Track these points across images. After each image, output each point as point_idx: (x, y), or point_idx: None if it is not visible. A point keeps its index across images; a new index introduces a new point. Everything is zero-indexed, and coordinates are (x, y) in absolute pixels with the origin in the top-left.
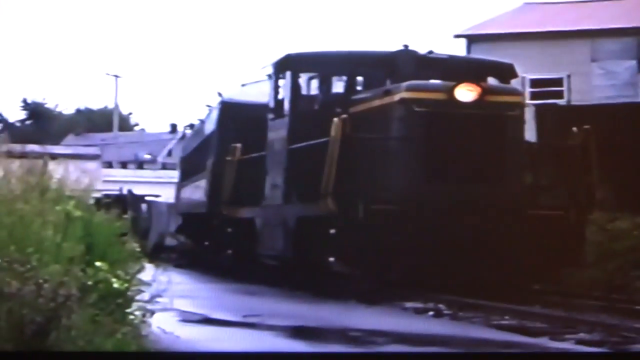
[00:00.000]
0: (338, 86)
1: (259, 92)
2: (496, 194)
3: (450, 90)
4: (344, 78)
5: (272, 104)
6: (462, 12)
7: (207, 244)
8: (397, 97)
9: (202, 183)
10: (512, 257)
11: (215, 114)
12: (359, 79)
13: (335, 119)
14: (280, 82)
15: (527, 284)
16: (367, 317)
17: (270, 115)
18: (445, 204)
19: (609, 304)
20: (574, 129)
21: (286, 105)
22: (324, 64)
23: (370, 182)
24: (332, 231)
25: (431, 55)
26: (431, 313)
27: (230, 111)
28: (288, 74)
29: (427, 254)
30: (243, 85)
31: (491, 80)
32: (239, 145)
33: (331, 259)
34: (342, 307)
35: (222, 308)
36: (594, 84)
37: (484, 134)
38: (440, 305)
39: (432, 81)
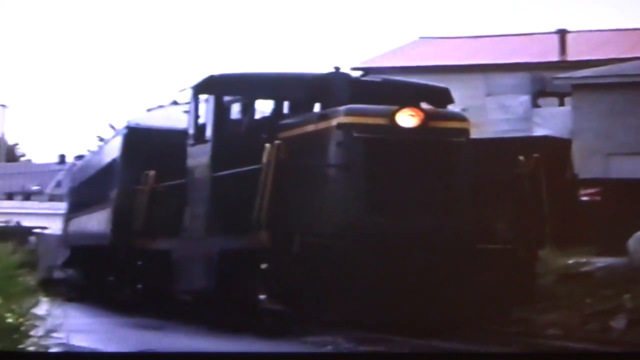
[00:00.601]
0: (260, 111)
1: (167, 117)
2: (442, 227)
3: (391, 115)
4: (269, 102)
5: (192, 129)
6: (362, 44)
7: (112, 278)
8: (334, 122)
9: (103, 214)
10: (459, 295)
11: (118, 141)
12: (285, 103)
13: (268, 144)
14: (202, 105)
15: (475, 322)
16: (266, 351)
17: (190, 141)
18: (387, 237)
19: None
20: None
21: (209, 130)
22: (250, 87)
23: (307, 213)
24: (264, 266)
25: (364, 78)
26: (329, 347)
27: (137, 137)
28: (211, 96)
29: (367, 291)
30: (149, 110)
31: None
32: (152, 172)
33: (262, 296)
34: (240, 341)
35: (118, 342)
36: (489, 117)
37: (428, 162)
38: (339, 339)
39: (372, 106)
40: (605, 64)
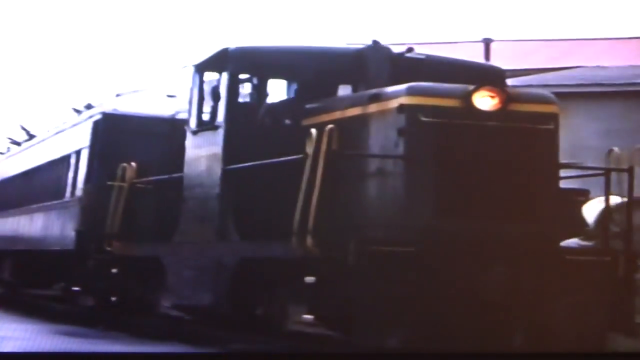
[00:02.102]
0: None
1: (143, 103)
2: (527, 234)
3: (467, 96)
4: (286, 81)
5: (195, 114)
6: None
7: (77, 289)
8: (394, 104)
9: (59, 214)
10: (547, 317)
11: (86, 128)
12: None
13: (313, 130)
14: (207, 85)
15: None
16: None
17: (192, 128)
18: (462, 245)
19: None
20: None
21: (220, 115)
22: (274, 63)
23: (363, 215)
24: (309, 280)
25: (409, 54)
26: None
27: (113, 125)
28: (225, 74)
29: (439, 312)
30: (118, 95)
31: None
32: (132, 164)
33: (305, 316)
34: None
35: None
36: None
37: (511, 153)
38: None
39: (441, 84)
40: (530, 73)
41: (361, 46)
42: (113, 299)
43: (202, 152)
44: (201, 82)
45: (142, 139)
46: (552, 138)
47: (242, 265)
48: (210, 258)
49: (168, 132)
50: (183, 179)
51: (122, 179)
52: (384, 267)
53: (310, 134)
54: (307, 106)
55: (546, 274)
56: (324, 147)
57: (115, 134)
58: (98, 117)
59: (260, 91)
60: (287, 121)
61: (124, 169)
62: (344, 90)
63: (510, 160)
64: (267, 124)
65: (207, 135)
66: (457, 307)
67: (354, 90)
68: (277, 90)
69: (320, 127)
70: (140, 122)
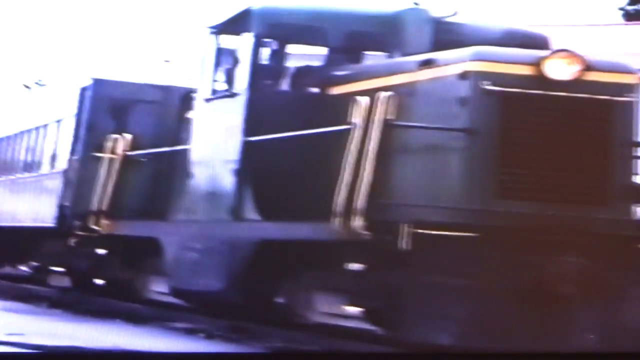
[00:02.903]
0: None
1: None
2: (601, 220)
3: (538, 63)
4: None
5: (209, 80)
6: None
7: (60, 269)
8: (457, 70)
9: (36, 187)
10: (623, 310)
11: (70, 95)
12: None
13: (362, 98)
14: (224, 46)
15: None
16: (136, 337)
17: (205, 95)
18: (529, 230)
19: None
20: None
21: (240, 82)
22: (302, 26)
23: (416, 194)
24: (355, 267)
25: (452, 20)
26: (202, 334)
27: (102, 92)
28: (249, 36)
29: (500, 306)
30: None
31: None
32: (126, 136)
33: (348, 308)
34: (108, 327)
35: None
36: None
37: (586, 127)
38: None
39: (510, 49)
40: None
41: (397, 8)
42: (98, 281)
43: (215, 123)
44: (217, 45)
45: (134, 108)
46: (630, 112)
47: (262, 247)
48: (223, 239)
49: (162, 101)
50: (189, 152)
51: (113, 151)
52: (440, 254)
53: (357, 102)
54: (336, 73)
55: (621, 264)
56: (378, 116)
57: (104, 102)
58: (86, 82)
59: (279, 57)
60: (313, 89)
61: (115, 140)
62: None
63: (585, 137)
64: (291, 92)
65: (222, 103)
66: (521, 300)
67: (389, 56)
68: (297, 56)
69: (354, 96)
70: (133, 89)
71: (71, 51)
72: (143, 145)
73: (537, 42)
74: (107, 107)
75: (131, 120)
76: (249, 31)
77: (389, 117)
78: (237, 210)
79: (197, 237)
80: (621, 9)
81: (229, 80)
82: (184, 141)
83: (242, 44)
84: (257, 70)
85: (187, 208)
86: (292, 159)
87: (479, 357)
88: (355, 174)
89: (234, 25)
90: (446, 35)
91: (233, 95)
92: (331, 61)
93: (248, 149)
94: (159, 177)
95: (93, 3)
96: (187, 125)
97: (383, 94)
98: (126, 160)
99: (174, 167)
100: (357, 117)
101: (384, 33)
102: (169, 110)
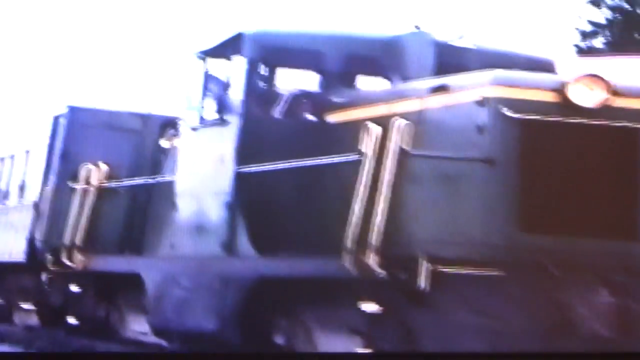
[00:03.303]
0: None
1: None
2: (630, 254)
3: (562, 88)
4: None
5: (197, 105)
6: None
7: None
8: (472, 96)
9: (6, 220)
10: None
11: (43, 123)
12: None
13: (373, 125)
14: (212, 72)
15: None
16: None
17: (192, 123)
18: (552, 268)
19: None
20: None
21: (233, 108)
22: (297, 50)
23: (433, 229)
24: (368, 307)
25: (455, 43)
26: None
27: (77, 119)
28: (242, 60)
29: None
30: None
31: None
32: (102, 165)
33: (361, 350)
34: None
35: None
36: None
37: (615, 157)
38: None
39: (531, 73)
40: None
41: (398, 32)
42: (70, 320)
43: (204, 152)
44: (205, 71)
45: (110, 136)
46: None
47: (260, 284)
48: (215, 275)
49: (141, 130)
50: (174, 183)
51: (88, 181)
52: (462, 293)
53: (369, 130)
54: (335, 99)
55: None
56: (392, 145)
57: (80, 131)
58: (61, 110)
59: (271, 82)
60: (309, 116)
61: (89, 170)
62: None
63: (612, 167)
64: (286, 119)
65: (212, 132)
66: (551, 342)
67: (392, 81)
68: (287, 81)
69: (356, 123)
70: (109, 117)
71: (42, 77)
72: (120, 175)
73: (543, 66)
74: (82, 136)
75: (107, 150)
76: (242, 55)
77: (404, 146)
78: (230, 244)
79: (185, 273)
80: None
81: (220, 107)
82: (164, 172)
83: (234, 68)
84: (250, 96)
85: (172, 243)
86: (291, 190)
87: (478, 357)
88: (368, 207)
89: (225, 49)
90: (449, 59)
91: (224, 122)
92: (326, 86)
93: (241, 180)
94: (137, 210)
95: (67, 25)
96: (166, 155)
97: (398, 121)
98: (102, 191)
99: (155, 198)
100: (368, 145)
101: (384, 57)
102: (148, 139)
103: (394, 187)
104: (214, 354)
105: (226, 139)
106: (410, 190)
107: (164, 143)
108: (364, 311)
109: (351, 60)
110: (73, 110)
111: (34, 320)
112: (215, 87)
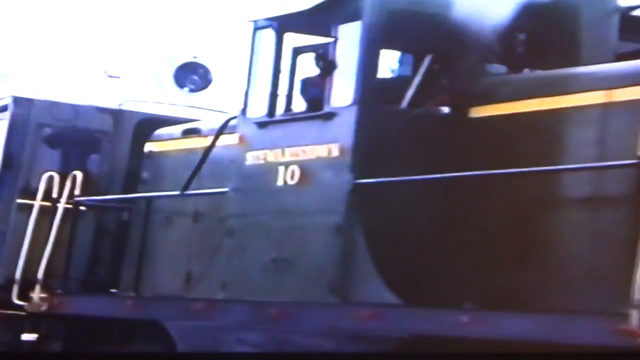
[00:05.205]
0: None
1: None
2: None
3: None
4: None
5: (267, 93)
6: None
7: None
8: None
9: None
10: None
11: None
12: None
13: None
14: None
15: None
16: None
17: (258, 117)
18: None
19: None
20: None
21: (337, 95)
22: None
23: None
24: None
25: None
26: None
27: (29, 115)
28: (357, 26)
29: None
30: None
31: None
32: (77, 174)
33: None
34: None
35: None
36: None
37: None
38: None
39: None
40: None
41: None
42: None
43: (284, 157)
44: (279, 45)
45: (72, 138)
46: None
47: (408, 345)
48: (318, 330)
49: (112, 130)
50: (229, 199)
51: (48, 197)
52: None
53: None
54: (481, 86)
55: None
56: None
57: (30, 130)
58: (5, 101)
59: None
60: (444, 109)
61: (51, 180)
62: None
63: None
64: (414, 111)
65: (296, 129)
66: None
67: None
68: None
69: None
70: (70, 113)
71: None
72: (90, 188)
73: None
74: (34, 137)
75: (69, 155)
76: (357, 19)
77: None
78: (346, 286)
79: (253, 324)
80: None
81: (308, 94)
82: (152, 185)
83: (342, 39)
84: (367, 78)
85: (225, 281)
86: (431, 208)
87: (478, 357)
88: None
89: (326, 11)
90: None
91: (326, 116)
92: (458, 70)
93: (361, 194)
94: (117, 233)
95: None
96: (148, 162)
97: None
98: (72, 210)
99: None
100: None
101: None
102: (121, 142)
103: None
104: (214, 353)
105: (327, 139)
106: None
107: (151, 147)
108: None
109: (509, 32)
110: (18, 102)
111: None
112: (298, 66)
